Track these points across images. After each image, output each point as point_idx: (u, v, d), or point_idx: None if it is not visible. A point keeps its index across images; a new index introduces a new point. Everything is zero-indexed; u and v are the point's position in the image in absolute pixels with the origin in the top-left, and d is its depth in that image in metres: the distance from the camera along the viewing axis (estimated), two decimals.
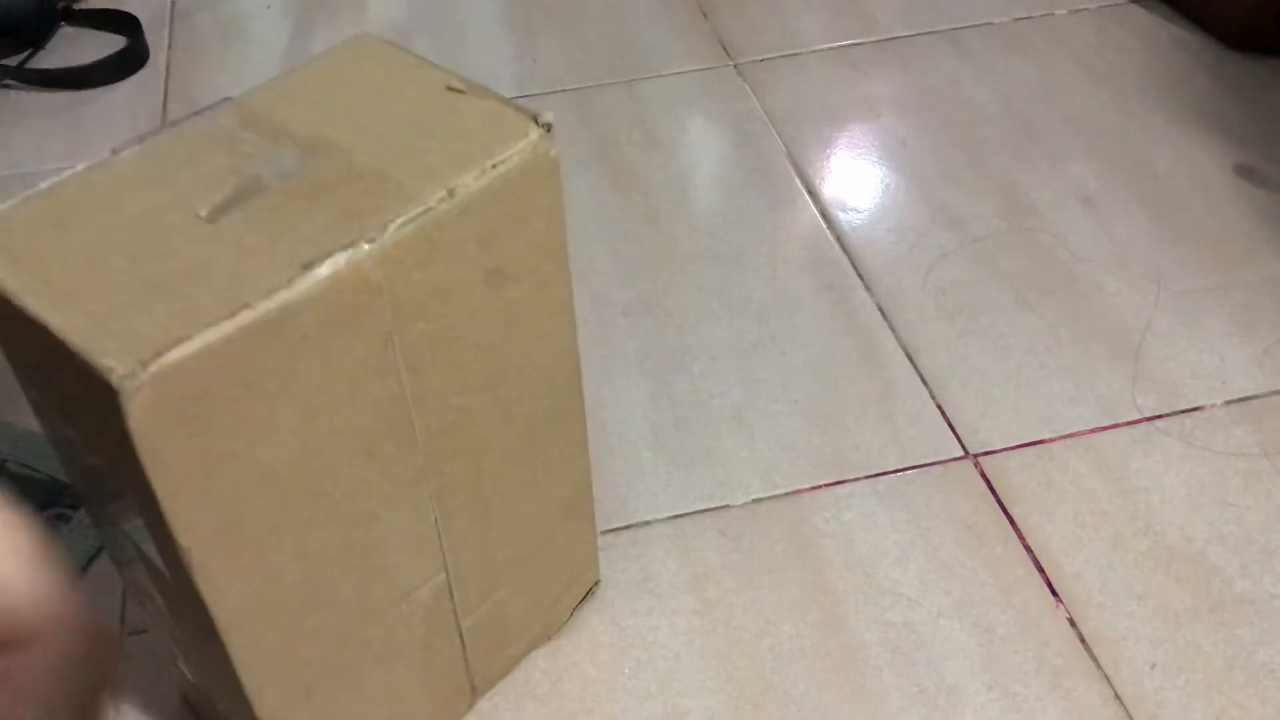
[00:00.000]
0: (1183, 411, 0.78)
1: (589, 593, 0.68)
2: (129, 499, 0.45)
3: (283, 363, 0.42)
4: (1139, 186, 0.96)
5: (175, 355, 0.39)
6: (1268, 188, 0.95)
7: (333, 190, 0.45)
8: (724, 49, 1.14)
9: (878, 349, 0.83)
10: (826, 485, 0.74)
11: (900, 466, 0.75)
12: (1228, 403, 0.78)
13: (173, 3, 1.26)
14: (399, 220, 0.44)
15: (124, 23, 1.19)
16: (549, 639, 0.66)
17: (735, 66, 1.12)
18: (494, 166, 0.46)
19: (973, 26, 1.15)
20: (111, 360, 0.39)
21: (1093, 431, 0.77)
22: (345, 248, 0.43)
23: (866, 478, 0.75)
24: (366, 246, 0.43)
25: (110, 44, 1.17)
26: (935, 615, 0.67)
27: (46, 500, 0.75)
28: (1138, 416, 0.77)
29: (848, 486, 0.74)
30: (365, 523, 0.50)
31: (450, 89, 0.50)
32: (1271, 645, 0.65)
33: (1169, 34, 1.12)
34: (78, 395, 0.42)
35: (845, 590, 0.69)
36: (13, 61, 1.16)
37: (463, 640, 0.60)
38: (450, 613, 0.58)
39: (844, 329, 0.85)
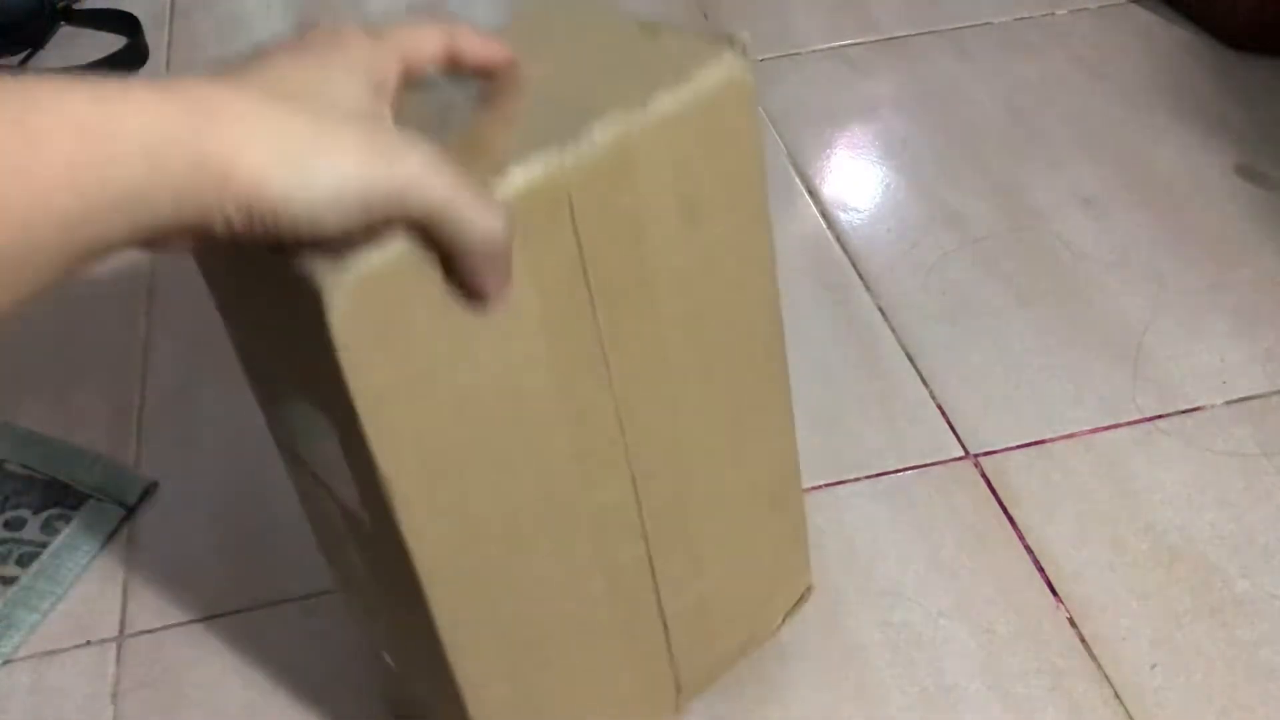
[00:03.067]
0: (1183, 411, 0.78)
1: (800, 600, 0.64)
2: (331, 432, 0.45)
3: None
4: (1140, 186, 0.95)
5: (376, 261, 0.39)
6: (1268, 187, 0.95)
7: (528, 115, 0.45)
8: None
9: (878, 349, 0.83)
10: (826, 485, 0.74)
11: (900, 466, 0.75)
12: (1228, 403, 0.78)
13: (172, 2, 1.26)
14: (594, 137, 0.43)
15: (124, 22, 1.19)
16: (760, 645, 0.63)
17: None
18: (688, 86, 0.45)
19: (973, 26, 1.15)
20: (315, 265, 0.39)
21: (1093, 431, 0.77)
22: (540, 159, 0.42)
23: (867, 478, 0.75)
24: (560, 159, 0.42)
25: (110, 44, 1.17)
26: (935, 615, 0.67)
27: (46, 500, 0.75)
28: (1138, 416, 0.77)
29: (848, 486, 0.74)
30: (561, 470, 0.48)
31: (643, 26, 0.49)
32: (1272, 645, 0.65)
33: (1169, 34, 1.12)
34: (282, 314, 0.42)
35: (845, 590, 0.69)
36: (13, 61, 1.16)
37: (666, 627, 0.57)
38: (652, 591, 0.55)
39: (844, 329, 0.85)
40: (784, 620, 0.64)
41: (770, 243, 0.51)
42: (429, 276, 0.41)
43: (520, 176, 0.42)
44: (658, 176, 0.46)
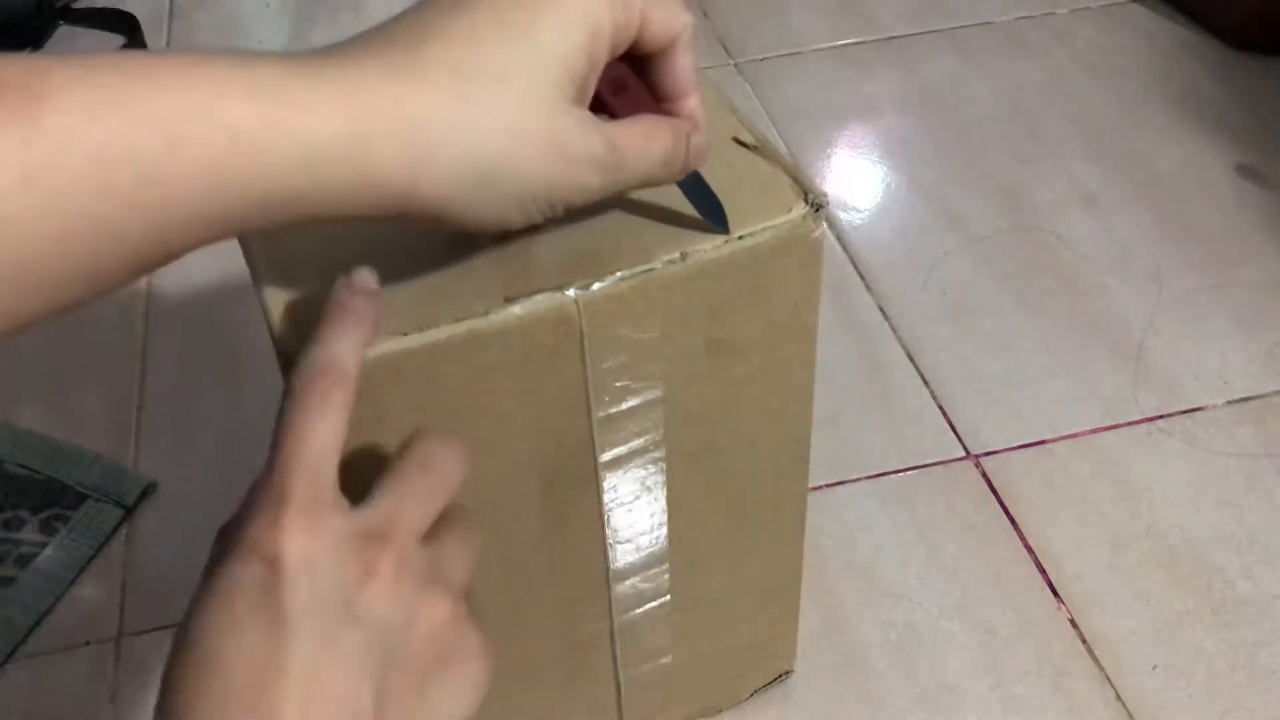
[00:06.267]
0: (1185, 411, 0.77)
1: (776, 680, 0.64)
2: None
3: (465, 385, 0.42)
4: (1141, 186, 0.95)
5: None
6: (1269, 187, 0.94)
7: (574, 223, 0.44)
8: (724, 48, 1.14)
9: (878, 349, 0.83)
10: (827, 485, 0.74)
11: (901, 467, 0.75)
12: (1230, 403, 0.78)
13: (171, 2, 1.25)
14: (619, 274, 0.42)
15: (122, 21, 1.19)
16: (719, 712, 0.63)
17: (736, 65, 1.11)
18: (740, 238, 0.44)
19: (974, 25, 1.15)
20: (288, 347, 0.40)
21: (1094, 432, 0.76)
22: (552, 290, 0.42)
23: (867, 478, 0.75)
24: (572, 293, 0.42)
25: (108, 43, 1.17)
26: (936, 616, 0.67)
27: (45, 501, 0.75)
28: (1139, 417, 0.77)
29: (848, 487, 0.74)
30: (528, 553, 0.49)
31: (736, 140, 0.47)
32: (1274, 646, 0.65)
33: (1171, 33, 1.12)
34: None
35: (846, 591, 0.68)
36: None
37: (619, 688, 0.57)
38: (609, 659, 0.55)
39: (845, 329, 0.85)
40: (753, 694, 0.63)
41: (811, 377, 0.50)
42: (404, 378, 0.41)
43: (526, 308, 0.41)
44: (685, 317, 0.45)
